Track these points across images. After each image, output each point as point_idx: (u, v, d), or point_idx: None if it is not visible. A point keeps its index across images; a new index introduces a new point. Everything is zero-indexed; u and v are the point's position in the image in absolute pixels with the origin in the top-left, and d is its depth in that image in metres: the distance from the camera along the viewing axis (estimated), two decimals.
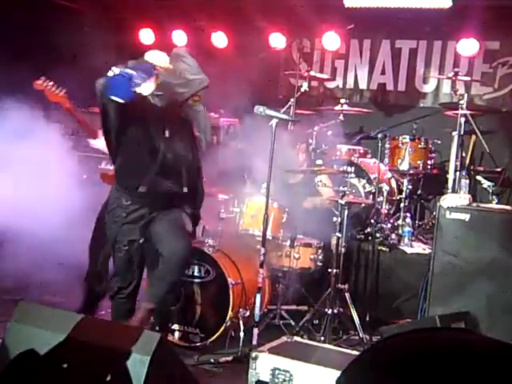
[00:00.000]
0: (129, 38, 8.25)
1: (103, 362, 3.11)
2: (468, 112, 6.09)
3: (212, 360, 4.66)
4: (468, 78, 6.79)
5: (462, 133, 6.07)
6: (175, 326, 4.98)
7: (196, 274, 4.98)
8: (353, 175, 6.11)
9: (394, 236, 6.07)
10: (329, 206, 5.57)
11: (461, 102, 6.12)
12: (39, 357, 3.09)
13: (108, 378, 3.08)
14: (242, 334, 4.78)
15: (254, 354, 3.95)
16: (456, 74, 6.41)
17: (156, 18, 8.35)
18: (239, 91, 7.38)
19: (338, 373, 3.02)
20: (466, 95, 6.19)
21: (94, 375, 3.07)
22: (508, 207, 5.42)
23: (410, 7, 6.99)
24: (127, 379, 3.02)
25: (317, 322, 5.25)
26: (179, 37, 8.32)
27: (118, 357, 3.06)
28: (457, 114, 6.10)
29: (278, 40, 7.88)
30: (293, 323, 5.20)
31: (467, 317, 4.93)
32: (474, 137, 6.48)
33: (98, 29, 7.22)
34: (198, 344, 4.91)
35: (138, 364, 3.04)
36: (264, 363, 3.92)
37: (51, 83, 5.09)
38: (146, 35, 8.45)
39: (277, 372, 3.86)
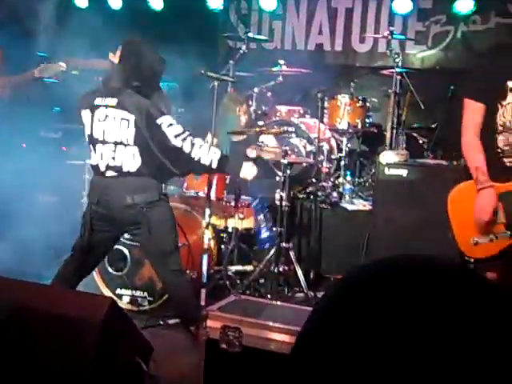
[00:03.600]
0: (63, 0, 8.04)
1: (54, 329, 3.12)
2: (403, 70, 6.23)
3: (161, 322, 4.72)
4: (403, 37, 6.93)
5: (397, 91, 6.21)
6: (123, 291, 5.01)
7: None
8: (293, 135, 6.20)
9: (335, 194, 6.21)
10: (271, 161, 5.61)
11: (396, 60, 6.26)
12: None
13: (60, 347, 3.08)
14: None
15: (203, 313, 4.01)
16: (391, 33, 6.53)
17: None
18: (178, 54, 7.33)
19: (287, 327, 3.10)
20: (400, 54, 6.33)
21: (45, 343, 3.07)
22: (443, 162, 5.62)
23: None
24: (80, 345, 3.04)
25: (263, 281, 5.36)
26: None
27: (70, 323, 3.07)
28: (392, 72, 6.23)
29: (215, 1, 7.81)
30: (239, 283, 5.30)
31: None
32: (409, 94, 6.63)
33: None
34: (147, 307, 4.96)
35: (89, 329, 3.06)
36: (214, 322, 3.99)
37: None
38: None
39: (226, 330, 3.94)
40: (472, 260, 3.50)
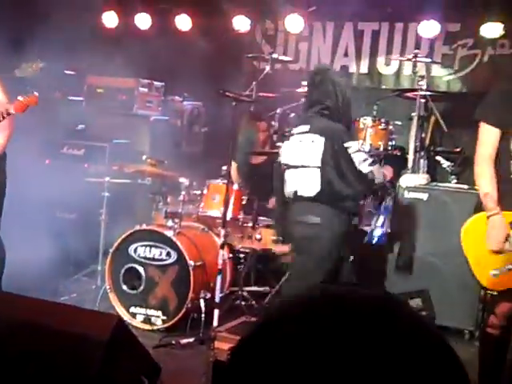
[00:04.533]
0: (92, 20, 8.17)
1: (59, 347, 3.12)
2: (428, 93, 6.16)
3: (173, 342, 4.70)
4: (428, 60, 6.86)
5: (421, 114, 6.14)
6: (137, 310, 5.01)
7: (157, 256, 5.00)
8: None
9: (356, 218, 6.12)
10: None
11: (420, 83, 6.20)
12: None
13: (64, 363, 3.08)
14: (203, 315, 4.82)
15: (212, 335, 4.00)
16: (416, 55, 6.48)
17: (119, 0, 8.28)
18: (203, 74, 7.38)
19: None
20: (425, 77, 6.26)
21: (49, 359, 3.07)
22: (465, 186, 5.52)
23: None
24: (84, 363, 3.03)
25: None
26: (143, 20, 8.26)
27: (74, 341, 3.07)
28: (417, 95, 6.17)
29: (241, 22, 7.85)
30: (255, 304, 5.26)
31: (424, 294, 5.04)
32: (433, 118, 6.55)
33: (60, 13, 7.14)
34: (160, 327, 4.95)
35: (94, 348, 3.05)
36: (222, 343, 3.97)
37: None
38: (110, 18, 8.37)
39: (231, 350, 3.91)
40: (495, 293, 3.43)
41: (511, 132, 3.32)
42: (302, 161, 4.18)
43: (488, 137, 3.42)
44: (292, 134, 4.28)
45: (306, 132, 4.17)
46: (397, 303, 0.79)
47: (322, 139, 4.08)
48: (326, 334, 0.71)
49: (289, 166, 4.26)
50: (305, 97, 4.39)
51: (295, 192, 4.21)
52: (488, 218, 3.36)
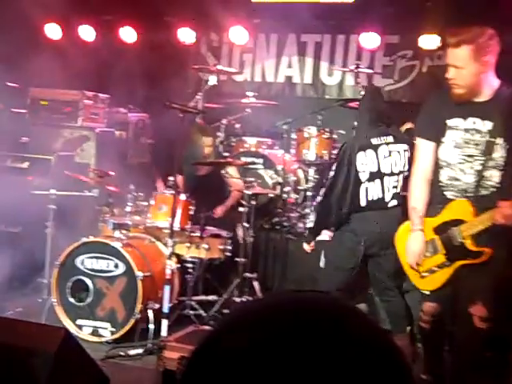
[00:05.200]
0: (35, 32, 8.09)
1: (7, 361, 3.09)
2: None
3: (122, 353, 4.69)
4: (370, 71, 7.05)
5: None
6: (84, 322, 4.98)
7: (105, 268, 4.99)
8: (261, 166, 6.25)
9: (301, 225, 6.24)
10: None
11: (362, 93, 6.35)
12: None
13: (12, 377, 3.05)
14: (151, 326, 4.83)
15: (161, 344, 4.01)
16: (357, 66, 6.66)
17: (62, 12, 8.22)
18: (148, 86, 7.39)
19: None
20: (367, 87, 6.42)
21: None
22: None
23: (314, 2, 7.18)
24: (31, 377, 3.01)
25: (227, 311, 5.35)
26: (87, 32, 8.23)
27: (22, 354, 3.05)
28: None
29: (186, 35, 7.91)
30: (203, 313, 5.28)
31: (370, 299, 5.16)
32: None
33: (1, 25, 7.05)
34: (108, 338, 4.93)
35: (42, 361, 3.03)
36: (171, 353, 3.99)
37: None
38: (52, 30, 8.30)
39: (184, 361, 3.93)
40: (428, 292, 3.60)
41: (439, 143, 3.49)
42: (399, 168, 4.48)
43: (424, 150, 3.59)
44: (375, 145, 4.46)
45: (393, 142, 4.49)
46: (345, 308, 0.82)
47: (407, 146, 4.49)
48: (273, 343, 0.73)
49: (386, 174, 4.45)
50: (366, 111, 4.62)
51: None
52: (411, 231, 3.58)
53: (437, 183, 3.52)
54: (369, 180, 4.41)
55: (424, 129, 3.63)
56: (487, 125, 3.36)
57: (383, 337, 0.80)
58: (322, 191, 4.58)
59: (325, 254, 4.74)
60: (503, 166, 3.36)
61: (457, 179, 3.44)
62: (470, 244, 3.37)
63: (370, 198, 4.42)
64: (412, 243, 3.55)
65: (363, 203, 4.42)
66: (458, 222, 3.40)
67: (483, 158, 3.35)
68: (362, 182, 4.41)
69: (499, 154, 3.35)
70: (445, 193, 3.49)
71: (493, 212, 3.26)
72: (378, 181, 4.43)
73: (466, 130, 3.40)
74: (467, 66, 3.25)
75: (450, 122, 3.44)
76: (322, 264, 4.74)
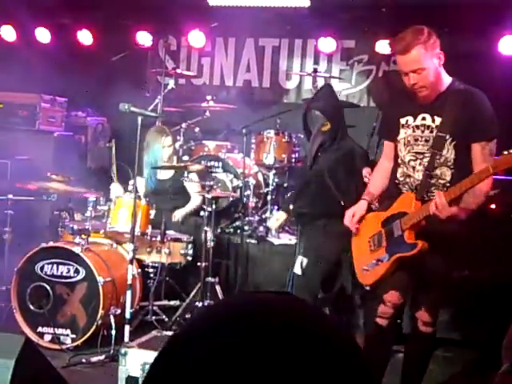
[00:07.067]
0: None
1: None
2: None
3: (84, 360, 4.64)
4: (327, 75, 7.14)
5: None
6: (44, 329, 4.91)
7: (65, 274, 4.92)
8: (220, 170, 6.27)
9: (261, 228, 6.28)
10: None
11: None
12: None
13: None
14: (113, 332, 4.79)
15: (123, 350, 3.99)
16: (315, 70, 6.74)
17: (17, 14, 8.10)
18: (107, 89, 7.33)
19: None
20: None
21: None
22: None
23: (271, 6, 7.23)
24: None
25: (189, 315, 5.35)
26: (42, 34, 8.13)
27: None
28: None
29: (144, 38, 7.89)
30: (166, 319, 5.27)
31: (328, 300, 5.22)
32: None
33: None
34: (70, 345, 4.87)
35: (1, 369, 2.99)
36: (134, 359, 3.97)
37: None
38: (7, 32, 8.17)
39: (147, 367, 3.92)
40: (368, 287, 3.66)
41: (395, 142, 3.60)
42: None
43: (385, 150, 3.82)
44: None
45: None
46: (301, 307, 0.82)
47: None
48: (227, 351, 0.74)
49: None
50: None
51: None
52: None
53: (394, 180, 3.62)
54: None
55: (382, 130, 3.92)
56: (437, 121, 3.40)
57: (341, 336, 0.80)
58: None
59: (304, 253, 4.77)
60: (454, 164, 3.40)
61: (409, 176, 3.51)
62: (406, 236, 3.40)
63: None
64: (354, 207, 3.71)
65: None
66: (402, 215, 3.44)
67: (431, 155, 3.40)
68: None
69: (449, 150, 3.38)
70: (400, 188, 3.59)
71: (428, 203, 3.29)
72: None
73: (417, 127, 3.47)
74: (426, 64, 3.28)
75: (402, 120, 3.53)
76: (298, 271, 4.77)
